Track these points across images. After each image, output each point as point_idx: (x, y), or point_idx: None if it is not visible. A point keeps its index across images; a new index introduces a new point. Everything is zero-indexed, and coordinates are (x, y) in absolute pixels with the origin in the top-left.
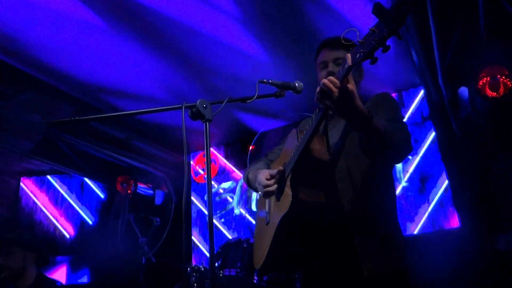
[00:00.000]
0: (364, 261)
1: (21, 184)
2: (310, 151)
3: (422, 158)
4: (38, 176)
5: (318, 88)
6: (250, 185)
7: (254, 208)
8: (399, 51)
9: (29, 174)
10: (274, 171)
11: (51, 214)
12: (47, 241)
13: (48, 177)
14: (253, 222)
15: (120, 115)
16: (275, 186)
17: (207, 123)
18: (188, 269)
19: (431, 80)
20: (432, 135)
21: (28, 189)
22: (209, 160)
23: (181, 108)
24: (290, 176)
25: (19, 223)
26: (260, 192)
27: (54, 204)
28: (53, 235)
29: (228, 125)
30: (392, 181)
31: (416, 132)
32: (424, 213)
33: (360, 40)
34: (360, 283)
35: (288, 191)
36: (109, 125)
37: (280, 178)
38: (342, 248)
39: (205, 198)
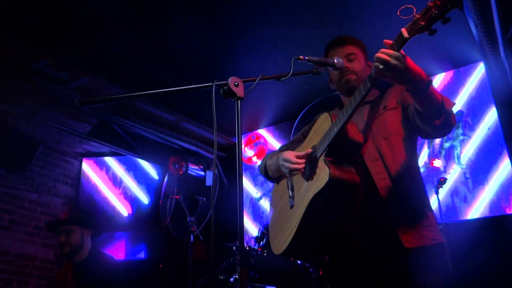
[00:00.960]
0: (402, 234)
1: (83, 164)
2: (346, 132)
3: (481, 139)
4: (98, 157)
5: (374, 61)
6: (267, 171)
7: None
8: (457, 25)
9: (89, 155)
10: (301, 153)
11: (110, 193)
12: (107, 218)
13: (107, 158)
14: None
15: (148, 94)
16: (303, 165)
17: (238, 101)
18: (234, 247)
19: (492, 54)
20: (493, 113)
21: (89, 169)
22: (240, 139)
23: (211, 86)
24: (323, 156)
25: (81, 202)
26: (285, 170)
27: (113, 183)
28: (112, 213)
29: (277, 105)
30: (417, 161)
31: (475, 111)
32: (483, 197)
33: (417, 15)
34: (401, 257)
35: (320, 171)
36: (160, 107)
37: (309, 159)
38: (378, 224)
39: (254, 178)
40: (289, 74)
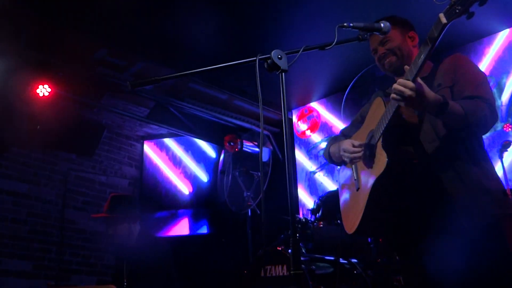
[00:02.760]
0: (460, 214)
1: (145, 146)
2: (400, 114)
3: None
4: (158, 139)
5: (392, 92)
6: (332, 158)
7: None
8: None
9: (150, 137)
10: (357, 143)
11: (171, 172)
12: (169, 197)
13: (166, 139)
14: None
15: (196, 72)
16: (362, 153)
17: (283, 74)
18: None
19: None
20: None
21: (151, 150)
22: (285, 112)
23: (255, 61)
24: (381, 140)
25: (145, 182)
26: (346, 159)
27: (173, 163)
28: (174, 191)
29: (328, 77)
30: (478, 136)
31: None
32: None
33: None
34: (460, 236)
35: (379, 155)
36: (211, 87)
37: (367, 145)
38: (437, 204)
39: (308, 152)
40: (334, 43)
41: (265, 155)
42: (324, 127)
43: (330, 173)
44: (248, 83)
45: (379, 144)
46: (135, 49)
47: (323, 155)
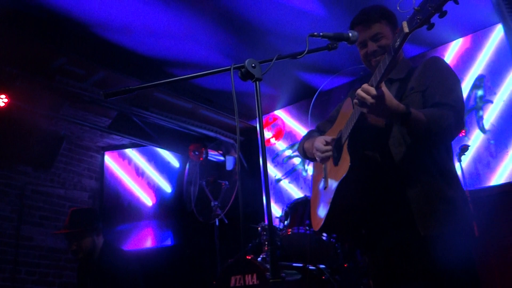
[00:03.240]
0: (419, 221)
1: (105, 157)
2: (367, 117)
3: (503, 102)
4: (120, 149)
5: (355, 97)
6: (306, 154)
7: None
8: None
9: (111, 148)
10: (329, 138)
11: (134, 183)
12: (132, 208)
13: (128, 150)
14: None
15: (171, 81)
16: (331, 152)
17: (257, 82)
18: (259, 228)
19: (510, 14)
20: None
21: (112, 161)
22: (261, 119)
23: (230, 69)
24: (347, 142)
25: (106, 194)
26: (317, 158)
27: (136, 174)
28: (136, 203)
29: (292, 85)
30: (450, 145)
31: (495, 74)
32: (506, 162)
33: (416, 7)
34: (416, 243)
35: (344, 157)
36: (176, 96)
37: (336, 144)
38: (398, 210)
39: (272, 160)
40: (305, 52)
41: (230, 164)
42: (288, 135)
43: (295, 181)
44: (212, 92)
45: (345, 145)
46: (96, 58)
47: (297, 150)
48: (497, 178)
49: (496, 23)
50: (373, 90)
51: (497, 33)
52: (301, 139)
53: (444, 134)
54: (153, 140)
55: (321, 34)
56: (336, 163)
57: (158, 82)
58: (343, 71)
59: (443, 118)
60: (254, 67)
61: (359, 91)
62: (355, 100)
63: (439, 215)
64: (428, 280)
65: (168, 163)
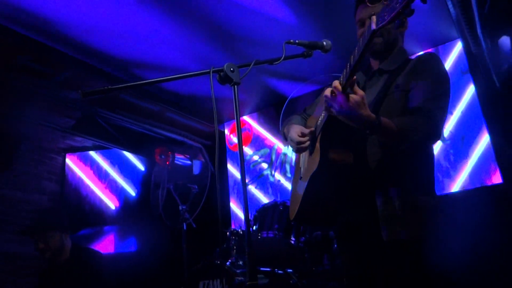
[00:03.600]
0: (384, 226)
1: (67, 160)
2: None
3: (461, 114)
4: (82, 151)
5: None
6: (286, 138)
7: (289, 174)
8: (435, 3)
9: (73, 150)
10: (306, 130)
11: (96, 187)
12: (94, 212)
13: (91, 152)
14: (289, 186)
15: (149, 83)
16: (308, 143)
17: (235, 86)
18: (228, 233)
19: (468, 31)
20: (471, 89)
21: (73, 164)
22: (239, 123)
23: (209, 73)
24: (320, 135)
25: (67, 197)
26: (293, 149)
27: (99, 177)
28: (99, 207)
29: (260, 91)
30: (430, 148)
31: (454, 87)
32: (464, 170)
33: (385, 1)
34: (379, 249)
35: (316, 152)
36: (143, 99)
37: (312, 136)
38: (365, 211)
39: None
40: (282, 58)
41: (197, 168)
42: (256, 140)
43: (262, 186)
44: (180, 95)
45: (319, 138)
46: (62, 57)
47: (280, 132)
48: (456, 186)
49: (456, 38)
50: (339, 90)
51: (457, 48)
52: (285, 121)
53: (416, 145)
54: (118, 143)
55: (297, 41)
56: (311, 153)
57: (137, 83)
58: (312, 80)
59: (416, 130)
60: (232, 71)
61: (326, 92)
62: (324, 98)
63: (406, 222)
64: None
65: (133, 166)
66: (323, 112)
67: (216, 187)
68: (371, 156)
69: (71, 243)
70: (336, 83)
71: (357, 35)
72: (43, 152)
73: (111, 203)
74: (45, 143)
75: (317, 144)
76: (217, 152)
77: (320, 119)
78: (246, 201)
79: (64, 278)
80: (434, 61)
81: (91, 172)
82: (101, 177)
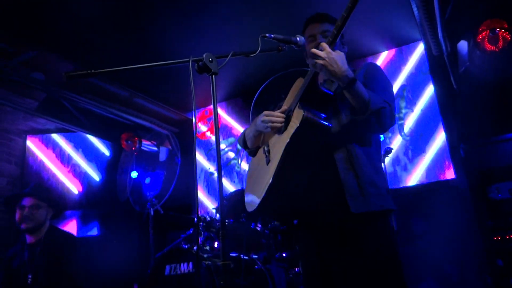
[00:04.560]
0: (351, 201)
1: (27, 142)
2: (316, 83)
3: (421, 112)
4: (44, 134)
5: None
6: (246, 142)
7: None
8: (400, 5)
9: (34, 132)
10: (278, 110)
11: (58, 171)
12: (56, 196)
13: (54, 135)
14: None
15: (132, 68)
16: (283, 120)
17: (213, 76)
18: (195, 219)
19: (431, 34)
20: (430, 89)
21: (34, 147)
22: (215, 111)
23: (187, 62)
24: (298, 104)
25: (27, 180)
26: (266, 126)
27: (61, 161)
28: (61, 191)
29: (228, 82)
30: (377, 137)
31: (415, 86)
32: (421, 165)
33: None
34: (348, 222)
35: (295, 118)
36: (112, 83)
37: (286, 115)
38: (331, 190)
39: (206, 153)
40: (258, 51)
41: (163, 155)
42: (224, 129)
43: (228, 175)
44: (149, 81)
45: (296, 109)
46: (28, 35)
47: (237, 141)
48: (413, 180)
49: (419, 39)
50: (327, 47)
51: (419, 49)
52: (242, 132)
53: (379, 116)
54: (83, 126)
55: (272, 36)
56: (282, 133)
57: (117, 68)
58: (282, 72)
59: (383, 103)
60: (211, 61)
61: (314, 49)
62: (313, 50)
63: (369, 197)
64: (358, 255)
65: (97, 150)
66: (302, 85)
67: (182, 175)
68: (332, 137)
69: (49, 223)
70: (323, 43)
71: (307, 49)
72: (3, 133)
73: (74, 188)
74: (5, 124)
75: (294, 115)
76: (194, 140)
77: (291, 102)
78: (221, 188)
79: (36, 257)
80: (377, 67)
81: (54, 155)
82: (64, 160)
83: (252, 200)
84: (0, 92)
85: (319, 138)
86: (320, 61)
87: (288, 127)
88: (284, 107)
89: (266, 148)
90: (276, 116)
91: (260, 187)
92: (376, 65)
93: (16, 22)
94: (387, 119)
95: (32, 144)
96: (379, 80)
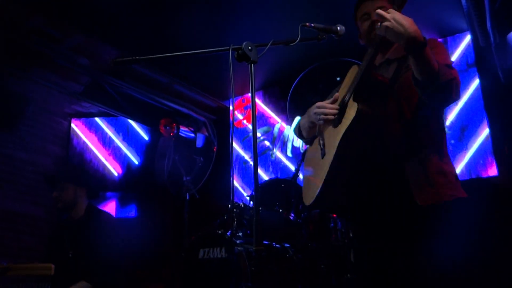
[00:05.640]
0: (416, 192)
1: (72, 125)
2: (372, 73)
3: (464, 105)
4: (87, 118)
5: (375, 17)
6: (301, 132)
7: (289, 153)
8: None
9: (78, 115)
10: (329, 100)
11: (100, 153)
12: (97, 178)
13: (96, 119)
14: (289, 165)
15: (174, 55)
16: (336, 112)
17: (252, 65)
18: (229, 205)
19: (478, 24)
20: (476, 82)
21: (78, 129)
22: (253, 100)
23: (228, 50)
24: (353, 95)
25: (71, 161)
26: (320, 118)
27: (103, 144)
28: (102, 173)
29: (266, 70)
30: (441, 121)
31: (460, 79)
32: (462, 161)
33: None
34: (415, 214)
35: (349, 109)
36: (153, 70)
37: (340, 105)
38: (395, 181)
39: (241, 141)
40: (297, 40)
41: (200, 141)
42: (260, 118)
43: (263, 163)
44: (188, 68)
45: (350, 100)
46: (75, 22)
47: (293, 130)
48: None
49: (465, 30)
50: (393, 10)
51: (465, 40)
52: (299, 120)
53: (446, 89)
54: (124, 111)
55: (312, 25)
56: (336, 125)
57: (161, 55)
58: (321, 62)
59: (451, 75)
60: (250, 50)
61: (379, 10)
62: (378, 11)
63: (437, 187)
64: (430, 252)
65: (137, 135)
66: (357, 73)
67: (219, 162)
68: (394, 136)
69: (87, 202)
70: (389, 9)
71: (360, 29)
72: (49, 115)
73: (114, 170)
74: (52, 107)
75: (349, 105)
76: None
77: (345, 93)
78: (257, 176)
79: (76, 235)
80: (437, 43)
81: (96, 138)
82: (105, 143)
83: (308, 194)
84: (47, 76)
85: (377, 129)
86: (387, 23)
87: (343, 119)
88: (338, 96)
89: (321, 141)
90: (329, 108)
91: (316, 182)
92: (435, 42)
93: (63, 9)
94: (453, 94)
95: (76, 127)
96: (440, 52)
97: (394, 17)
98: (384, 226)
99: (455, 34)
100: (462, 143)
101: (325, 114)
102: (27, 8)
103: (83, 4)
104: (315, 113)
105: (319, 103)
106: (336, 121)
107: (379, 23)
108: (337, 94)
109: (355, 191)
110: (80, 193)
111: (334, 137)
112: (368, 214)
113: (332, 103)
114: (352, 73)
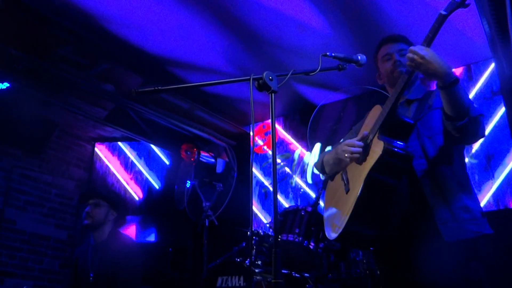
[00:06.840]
0: (442, 227)
1: (95, 149)
2: (396, 112)
3: (489, 134)
4: (110, 142)
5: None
6: (324, 168)
7: (309, 180)
8: (469, 22)
9: (102, 140)
10: (356, 138)
11: (122, 177)
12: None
13: (119, 143)
14: (309, 192)
15: (195, 86)
16: (361, 150)
17: (273, 94)
18: (249, 232)
19: (503, 51)
20: (501, 110)
21: (101, 153)
22: (273, 129)
23: (248, 80)
24: (378, 133)
25: (94, 185)
26: (347, 156)
27: (125, 168)
28: (123, 197)
29: (287, 97)
30: (463, 157)
31: (484, 107)
32: (488, 191)
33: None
34: (441, 249)
35: (374, 147)
36: (175, 95)
37: (364, 143)
38: (420, 218)
39: (261, 167)
40: (317, 70)
41: (220, 167)
42: (280, 144)
43: (283, 190)
44: (209, 94)
45: (375, 138)
46: (101, 50)
47: (314, 166)
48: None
49: (490, 58)
50: (421, 49)
51: (491, 67)
52: (320, 155)
53: (474, 125)
54: (146, 136)
55: (333, 55)
56: (360, 162)
57: (183, 85)
58: (342, 89)
59: (480, 111)
60: (271, 80)
61: (410, 50)
62: (408, 55)
63: (462, 223)
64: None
65: (158, 160)
66: (381, 113)
67: (238, 188)
68: (419, 172)
69: (112, 227)
70: (419, 46)
71: (381, 70)
72: (74, 139)
73: (135, 194)
74: (75, 131)
75: (373, 143)
76: (252, 153)
77: (369, 130)
78: (276, 203)
79: (99, 258)
80: None
81: (118, 162)
82: (127, 167)
83: (332, 228)
84: (73, 101)
85: (402, 167)
86: (419, 59)
87: (367, 157)
88: (363, 133)
89: (344, 177)
90: (357, 146)
91: (340, 217)
92: None
93: (90, 38)
94: (480, 130)
95: (99, 151)
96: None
97: (427, 54)
98: (410, 261)
99: (478, 61)
100: (488, 172)
101: (352, 153)
102: (57, 38)
103: (109, 34)
104: (343, 150)
105: (349, 141)
106: (360, 158)
107: (412, 56)
108: (365, 132)
109: (381, 226)
110: (111, 216)
111: (358, 173)
112: (394, 249)
113: (361, 141)
114: (374, 112)
